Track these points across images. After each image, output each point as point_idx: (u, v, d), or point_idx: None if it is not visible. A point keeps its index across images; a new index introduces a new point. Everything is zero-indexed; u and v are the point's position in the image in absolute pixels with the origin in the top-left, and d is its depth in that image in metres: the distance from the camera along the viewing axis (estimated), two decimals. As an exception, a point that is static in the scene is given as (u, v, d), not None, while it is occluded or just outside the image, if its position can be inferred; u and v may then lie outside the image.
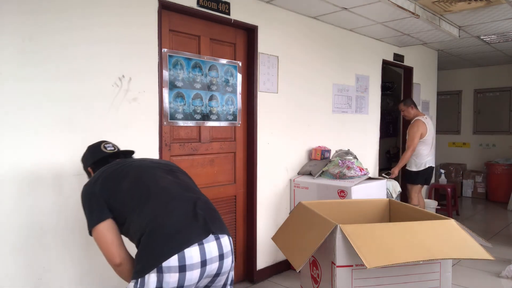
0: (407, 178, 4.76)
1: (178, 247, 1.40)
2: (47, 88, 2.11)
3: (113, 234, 1.53)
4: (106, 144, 1.84)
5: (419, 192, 4.73)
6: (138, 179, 1.61)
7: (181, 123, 2.85)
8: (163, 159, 2.72)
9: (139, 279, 1.39)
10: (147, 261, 1.40)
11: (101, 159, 1.77)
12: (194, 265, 1.41)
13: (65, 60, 2.17)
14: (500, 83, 7.10)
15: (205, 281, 1.53)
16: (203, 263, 1.44)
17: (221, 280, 1.57)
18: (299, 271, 1.85)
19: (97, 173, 1.65)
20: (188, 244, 1.41)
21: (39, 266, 2.11)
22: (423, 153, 4.58)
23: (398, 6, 3.32)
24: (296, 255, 1.87)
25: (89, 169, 1.82)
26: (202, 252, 1.44)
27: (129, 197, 1.55)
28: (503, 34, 4.67)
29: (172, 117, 2.79)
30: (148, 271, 1.38)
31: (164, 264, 1.37)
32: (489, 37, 4.86)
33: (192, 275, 1.41)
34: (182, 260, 1.39)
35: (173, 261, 1.38)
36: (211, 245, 1.48)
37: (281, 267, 3.55)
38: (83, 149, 2.13)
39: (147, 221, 1.47)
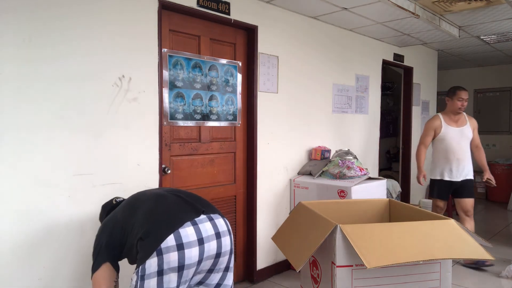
0: (472, 191, 3.92)
1: (172, 228, 1.50)
2: (47, 88, 2.10)
3: (105, 283, 1.64)
4: (117, 198, 1.96)
5: None
6: (127, 202, 1.78)
7: (181, 123, 2.85)
8: (163, 158, 2.72)
9: (140, 266, 1.48)
10: (147, 248, 1.49)
11: (109, 210, 1.89)
12: (191, 242, 1.50)
13: (65, 60, 2.17)
14: (500, 83, 7.10)
15: (207, 264, 1.60)
16: (200, 241, 1.53)
17: (222, 262, 1.65)
18: (299, 271, 1.85)
19: (103, 223, 1.79)
20: (181, 224, 1.52)
21: (39, 266, 2.11)
22: None
23: (398, 6, 3.32)
24: (296, 255, 1.87)
25: None
26: (198, 231, 1.54)
27: (123, 219, 1.69)
28: (503, 34, 4.67)
29: (172, 117, 2.78)
30: (148, 256, 1.47)
31: (163, 245, 1.46)
32: (489, 37, 4.86)
33: (191, 253, 1.49)
34: (178, 239, 1.48)
35: (170, 241, 1.47)
36: (206, 225, 1.58)
37: (281, 267, 3.55)
38: (83, 149, 2.12)
39: (142, 219, 1.60)
